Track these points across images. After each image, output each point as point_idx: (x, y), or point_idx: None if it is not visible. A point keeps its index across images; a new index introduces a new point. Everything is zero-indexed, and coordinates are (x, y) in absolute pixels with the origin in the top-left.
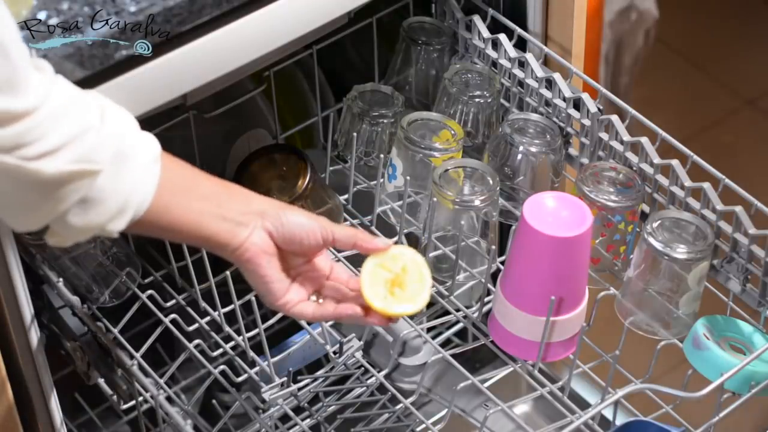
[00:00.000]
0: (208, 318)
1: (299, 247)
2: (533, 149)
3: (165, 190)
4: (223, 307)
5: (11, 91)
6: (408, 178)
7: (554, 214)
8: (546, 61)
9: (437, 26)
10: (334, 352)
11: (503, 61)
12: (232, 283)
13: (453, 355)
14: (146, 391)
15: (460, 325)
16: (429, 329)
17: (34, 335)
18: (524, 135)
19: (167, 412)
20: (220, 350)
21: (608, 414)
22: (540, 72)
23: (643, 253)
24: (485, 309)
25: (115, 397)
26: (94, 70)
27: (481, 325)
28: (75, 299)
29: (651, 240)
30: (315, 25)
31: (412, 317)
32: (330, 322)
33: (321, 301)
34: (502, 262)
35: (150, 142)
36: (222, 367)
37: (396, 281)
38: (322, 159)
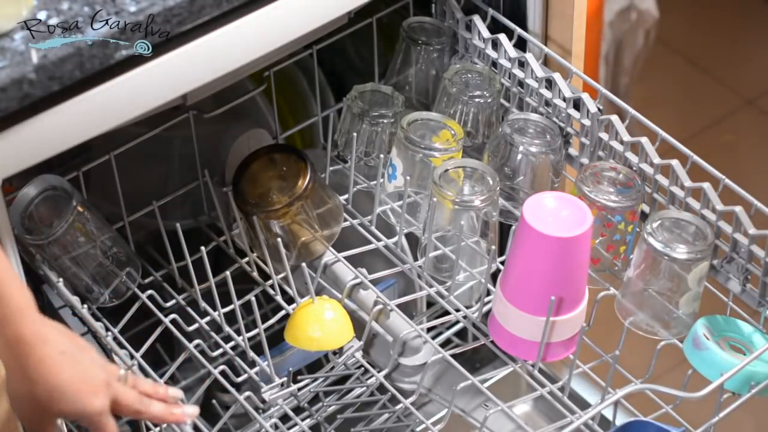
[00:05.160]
0: (208, 318)
1: None
2: (533, 149)
3: None
4: (223, 307)
5: None
6: (408, 178)
7: (554, 214)
8: (546, 61)
9: (437, 26)
10: (334, 352)
11: (503, 61)
12: (232, 283)
13: (453, 355)
14: None
15: (460, 325)
16: (429, 329)
17: None
18: (524, 135)
19: None
20: (220, 350)
21: (608, 414)
22: (540, 72)
23: (643, 253)
24: (485, 309)
25: None
26: (94, 70)
27: (481, 325)
28: (75, 299)
29: (651, 240)
30: (315, 25)
31: (411, 317)
32: None
33: None
34: (502, 262)
35: None
36: (222, 367)
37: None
38: (322, 159)
